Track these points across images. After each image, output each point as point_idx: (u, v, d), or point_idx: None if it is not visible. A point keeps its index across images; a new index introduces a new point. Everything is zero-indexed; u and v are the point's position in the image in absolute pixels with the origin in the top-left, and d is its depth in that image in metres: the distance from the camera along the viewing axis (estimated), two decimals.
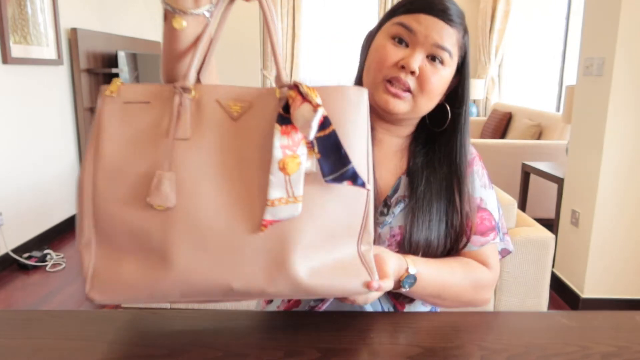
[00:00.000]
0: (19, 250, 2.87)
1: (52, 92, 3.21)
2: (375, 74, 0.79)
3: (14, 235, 2.86)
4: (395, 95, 0.78)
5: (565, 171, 2.61)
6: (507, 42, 5.27)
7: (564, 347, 0.65)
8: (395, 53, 0.78)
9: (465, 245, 0.85)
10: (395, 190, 0.84)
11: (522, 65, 5.19)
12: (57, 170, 3.28)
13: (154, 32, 4.91)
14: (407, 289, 0.74)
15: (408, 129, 0.87)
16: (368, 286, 0.61)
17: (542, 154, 3.48)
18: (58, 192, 3.28)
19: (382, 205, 0.84)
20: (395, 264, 0.72)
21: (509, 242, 0.92)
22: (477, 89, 5.24)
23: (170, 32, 0.62)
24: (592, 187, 2.29)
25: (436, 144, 0.86)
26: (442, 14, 0.77)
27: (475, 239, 0.85)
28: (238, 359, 0.62)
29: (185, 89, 0.58)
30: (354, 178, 0.57)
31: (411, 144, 0.88)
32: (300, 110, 0.55)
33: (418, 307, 0.87)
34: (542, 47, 4.75)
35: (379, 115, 0.83)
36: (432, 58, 0.78)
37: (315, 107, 0.54)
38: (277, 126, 0.56)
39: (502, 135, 4.51)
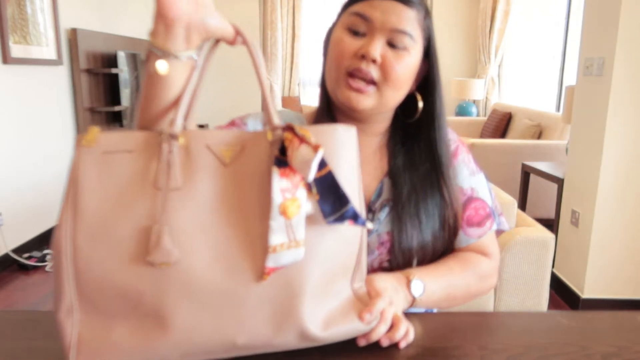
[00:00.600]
0: (19, 250, 2.87)
1: (52, 92, 3.21)
2: (336, 69, 0.75)
3: (14, 235, 2.86)
4: (358, 90, 0.74)
5: (565, 171, 2.61)
6: (507, 42, 5.27)
7: (564, 347, 0.65)
8: (353, 43, 0.74)
9: (457, 238, 0.83)
10: (378, 194, 0.81)
11: (522, 65, 5.20)
12: (57, 170, 3.28)
13: None
14: (422, 294, 0.73)
15: (382, 124, 0.83)
16: (361, 318, 0.60)
17: (542, 154, 3.48)
18: (58, 192, 3.28)
19: (367, 211, 0.80)
20: (390, 280, 0.70)
21: (503, 222, 0.89)
22: (477, 89, 5.25)
23: (156, 77, 0.58)
24: (592, 187, 2.29)
25: (414, 138, 0.82)
26: None
27: (471, 231, 0.83)
28: (238, 358, 0.61)
29: (174, 136, 0.55)
30: (355, 217, 0.56)
31: (389, 142, 0.84)
32: (299, 152, 0.53)
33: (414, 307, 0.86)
34: (542, 47, 4.75)
35: (349, 114, 0.79)
36: (393, 44, 0.74)
37: (315, 148, 0.52)
38: (275, 169, 0.54)
39: (502, 135, 4.51)
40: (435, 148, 0.81)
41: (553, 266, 2.54)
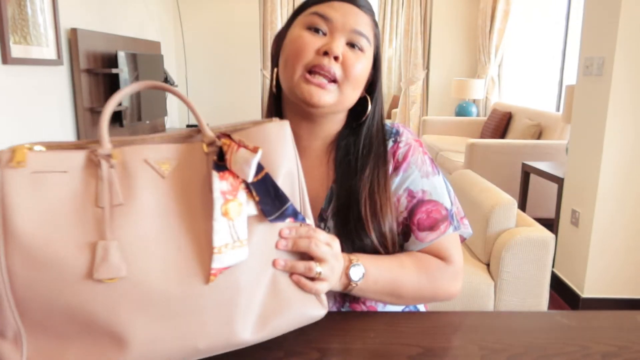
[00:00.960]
0: None
1: (52, 92, 3.21)
2: (295, 66, 0.75)
3: None
4: (319, 86, 0.74)
5: (565, 171, 2.61)
6: (507, 42, 5.27)
7: (564, 347, 0.65)
8: (315, 40, 0.75)
9: (408, 242, 0.82)
10: (329, 201, 0.81)
11: (522, 65, 5.19)
12: None
13: (154, 32, 4.91)
14: (357, 282, 0.71)
15: (333, 126, 0.83)
16: (274, 264, 0.60)
17: (542, 154, 3.48)
18: None
19: (319, 220, 0.80)
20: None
21: (467, 225, 0.87)
22: (477, 89, 5.25)
23: None
24: (592, 186, 2.29)
25: (355, 143, 0.83)
26: (354, 0, 0.77)
27: (423, 235, 0.81)
28: (238, 358, 0.62)
29: (108, 156, 0.55)
30: (295, 215, 0.59)
31: (337, 147, 0.83)
32: (239, 154, 0.56)
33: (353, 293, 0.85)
34: (542, 47, 4.75)
35: (302, 114, 0.80)
36: (351, 45, 0.76)
37: (254, 149, 0.55)
38: (215, 173, 0.56)
39: (502, 135, 4.51)
40: (371, 150, 0.82)
41: (553, 266, 2.54)
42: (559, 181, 2.67)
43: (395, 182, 0.82)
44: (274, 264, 0.60)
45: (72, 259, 0.51)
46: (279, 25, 5.61)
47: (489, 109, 5.34)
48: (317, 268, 0.62)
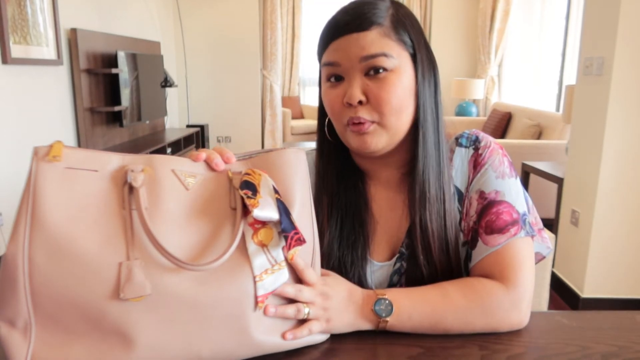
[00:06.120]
0: None
1: (52, 92, 3.21)
2: (336, 123, 0.76)
3: None
4: (362, 132, 0.72)
5: (565, 171, 2.61)
6: (507, 42, 5.27)
7: (564, 347, 0.65)
8: (336, 92, 0.73)
9: (475, 250, 0.76)
10: (409, 236, 0.79)
11: (522, 65, 5.19)
12: None
13: (154, 32, 4.91)
14: (386, 317, 0.66)
15: (401, 152, 0.79)
16: (265, 311, 0.59)
17: (542, 154, 3.48)
18: None
19: (398, 255, 0.79)
20: (346, 289, 0.68)
21: (546, 239, 0.80)
22: (477, 89, 5.25)
23: None
24: (592, 187, 2.29)
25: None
26: (349, 26, 0.71)
27: (489, 238, 0.74)
28: None
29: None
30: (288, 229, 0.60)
31: (412, 174, 0.78)
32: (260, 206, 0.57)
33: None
34: (542, 47, 4.74)
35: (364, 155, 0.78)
36: (372, 72, 0.71)
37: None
38: (240, 208, 0.58)
39: (502, 135, 4.51)
40: (431, 169, 0.76)
41: (553, 266, 2.54)
42: (559, 181, 2.67)
43: (471, 185, 0.79)
44: (264, 311, 0.59)
45: (90, 258, 0.51)
46: (279, 25, 5.61)
47: (489, 109, 5.35)
48: (305, 309, 0.62)
